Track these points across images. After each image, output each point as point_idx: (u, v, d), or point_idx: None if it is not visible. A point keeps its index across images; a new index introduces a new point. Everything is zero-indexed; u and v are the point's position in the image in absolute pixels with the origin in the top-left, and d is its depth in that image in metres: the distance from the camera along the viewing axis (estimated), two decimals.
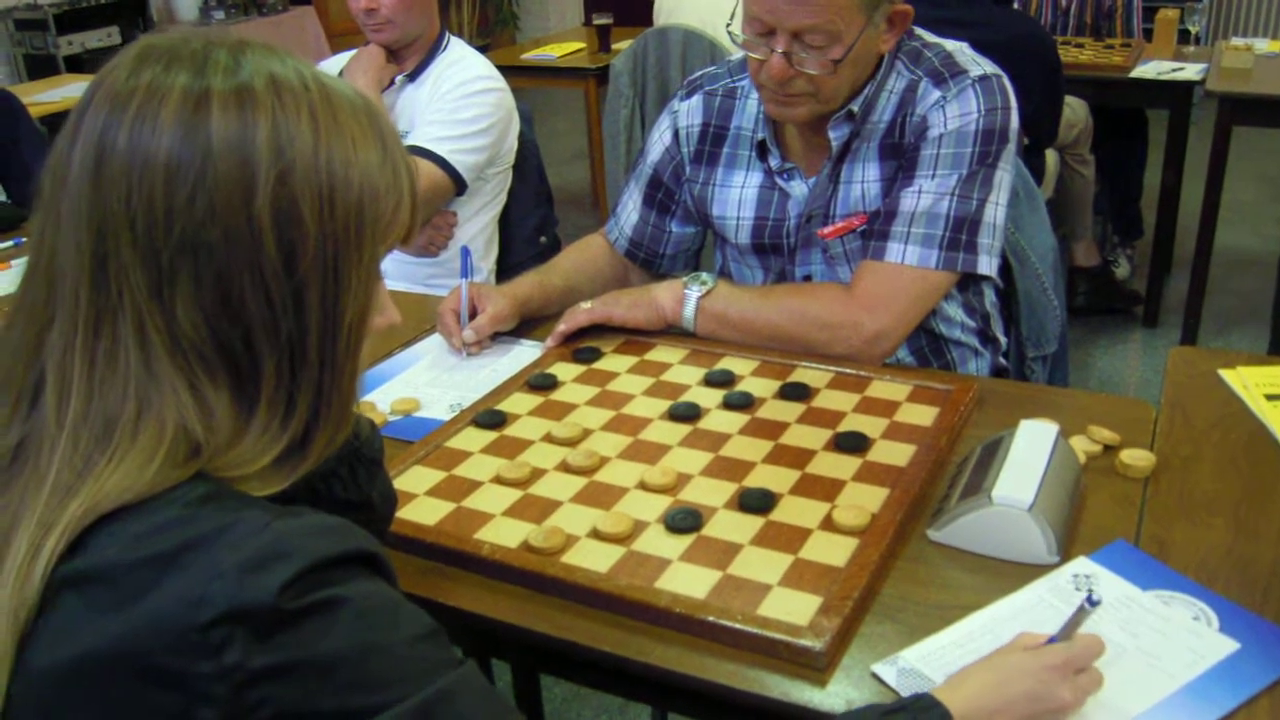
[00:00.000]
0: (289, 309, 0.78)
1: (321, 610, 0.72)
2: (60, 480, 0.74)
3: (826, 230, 1.63)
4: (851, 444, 1.31)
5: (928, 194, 1.52)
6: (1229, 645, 0.99)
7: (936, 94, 1.54)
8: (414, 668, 0.75)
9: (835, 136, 1.59)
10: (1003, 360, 1.82)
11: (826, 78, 1.49)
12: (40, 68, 5.80)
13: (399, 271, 2.30)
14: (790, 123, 1.61)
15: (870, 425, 1.36)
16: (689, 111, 1.75)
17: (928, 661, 0.98)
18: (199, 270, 0.75)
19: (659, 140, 1.79)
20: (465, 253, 1.78)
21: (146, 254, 0.75)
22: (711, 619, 1.02)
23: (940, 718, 0.86)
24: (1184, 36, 4.82)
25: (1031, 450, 1.18)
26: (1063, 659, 0.92)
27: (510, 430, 1.40)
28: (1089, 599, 0.98)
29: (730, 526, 1.17)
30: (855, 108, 1.56)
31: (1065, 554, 1.12)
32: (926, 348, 1.70)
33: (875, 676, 0.98)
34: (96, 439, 0.75)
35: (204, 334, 0.76)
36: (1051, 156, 3.59)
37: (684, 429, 1.37)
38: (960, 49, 1.60)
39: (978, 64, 1.57)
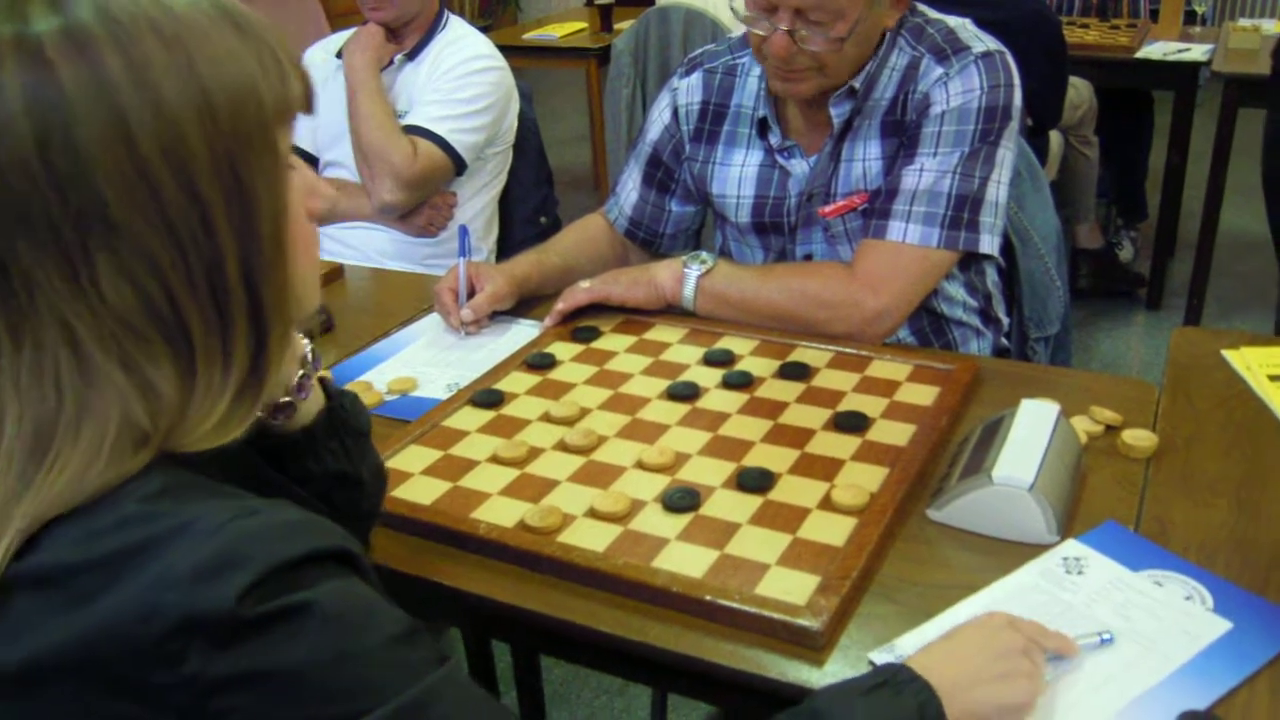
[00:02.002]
0: (200, 244, 0.72)
1: (286, 616, 0.68)
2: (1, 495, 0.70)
3: (827, 209, 1.61)
4: (851, 423, 1.30)
5: (929, 172, 1.51)
6: (1224, 625, 0.98)
7: (939, 71, 1.52)
8: (391, 672, 0.71)
9: (837, 114, 1.57)
10: (1005, 341, 1.81)
11: (830, 54, 1.47)
12: None
13: (397, 251, 2.29)
14: (795, 99, 1.60)
15: (870, 405, 1.35)
16: (689, 89, 1.74)
17: None
18: (111, 238, 0.70)
19: (659, 118, 1.77)
20: (463, 231, 1.77)
21: (47, 242, 0.68)
22: (709, 598, 1.02)
23: (922, 689, 0.85)
24: (1190, 17, 4.78)
25: (1032, 430, 1.17)
26: (1006, 616, 0.94)
27: (508, 409, 1.39)
28: (1102, 639, 0.97)
29: (728, 506, 1.17)
30: (857, 84, 1.55)
31: (1065, 534, 1.11)
32: (928, 327, 1.69)
33: (873, 664, 0.97)
34: (30, 453, 0.71)
35: (135, 305, 0.71)
36: (1055, 138, 3.58)
37: (683, 408, 1.37)
38: (963, 25, 1.58)
39: (980, 40, 1.55)
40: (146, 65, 0.70)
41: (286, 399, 0.95)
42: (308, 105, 0.81)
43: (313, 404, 0.98)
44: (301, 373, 0.96)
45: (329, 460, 0.97)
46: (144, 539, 0.68)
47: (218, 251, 0.73)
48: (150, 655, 0.66)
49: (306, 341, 0.98)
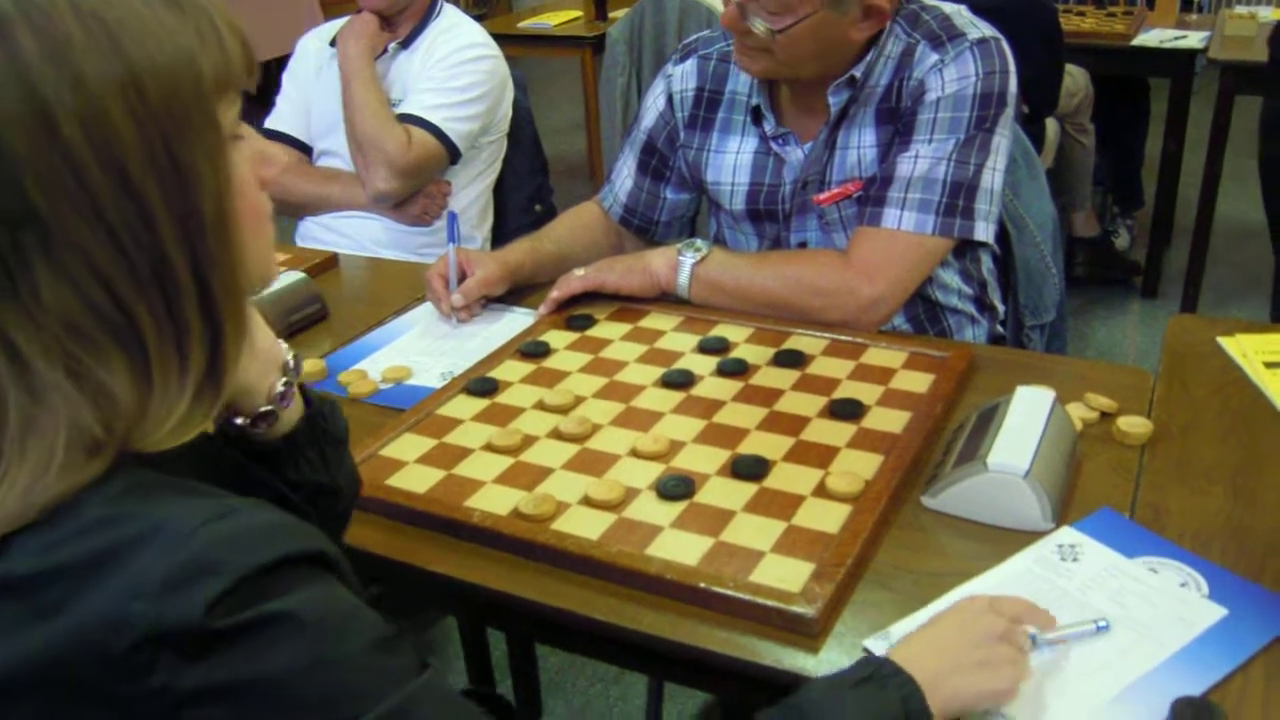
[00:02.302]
0: (140, 236, 0.68)
1: (259, 626, 0.66)
2: None
3: (822, 196, 1.61)
4: (846, 411, 1.30)
5: (924, 159, 1.50)
6: (1218, 611, 0.98)
7: (934, 57, 1.52)
8: (369, 681, 0.69)
9: (834, 101, 1.57)
10: (1000, 329, 1.81)
11: (784, 42, 1.47)
12: None
13: (392, 240, 2.29)
14: (755, 77, 1.60)
15: (865, 392, 1.34)
16: (683, 76, 1.73)
17: None
18: (43, 238, 0.65)
19: (653, 105, 1.77)
20: (452, 218, 1.76)
21: None
22: (703, 586, 1.02)
23: (905, 683, 0.85)
24: (1187, 4, 4.77)
25: (1027, 417, 1.17)
26: (986, 599, 0.94)
27: (502, 398, 1.38)
28: (1098, 626, 0.97)
29: (723, 493, 1.16)
30: (857, 73, 1.54)
31: (1060, 521, 1.11)
32: (923, 315, 1.68)
33: (867, 651, 0.96)
34: None
35: (78, 309, 0.67)
36: (1051, 125, 3.57)
37: (677, 396, 1.36)
38: (958, 11, 1.58)
39: (976, 27, 1.55)
40: (65, 44, 0.65)
41: (268, 407, 0.91)
42: (251, 76, 0.76)
43: (293, 412, 0.95)
44: (284, 380, 0.92)
45: (307, 470, 0.94)
46: (111, 544, 0.66)
47: (160, 242, 0.69)
48: (119, 667, 0.64)
49: (287, 348, 0.95)
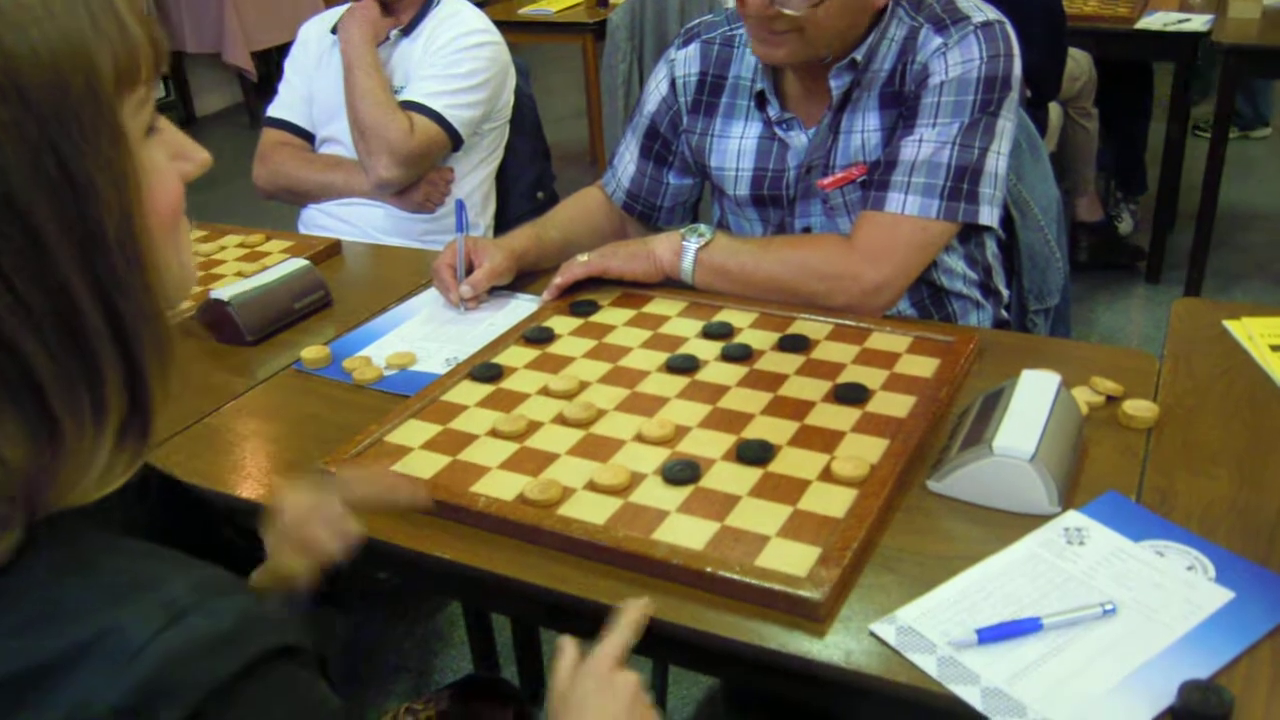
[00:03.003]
0: (29, 263, 0.58)
1: None
2: None
3: (826, 181, 1.61)
4: (851, 395, 1.30)
5: (929, 143, 1.50)
6: (1225, 594, 0.98)
7: (938, 41, 1.51)
8: None
9: (836, 85, 1.56)
10: (1004, 313, 1.81)
11: (809, 17, 1.46)
12: None
13: (394, 227, 2.28)
14: (775, 64, 1.58)
15: (870, 377, 1.34)
16: (686, 60, 1.72)
17: (924, 621, 0.97)
18: None
19: (656, 90, 1.76)
20: (460, 206, 1.76)
21: None
22: (709, 570, 1.02)
23: None
24: None
25: (1033, 400, 1.17)
26: (607, 658, 0.91)
27: (507, 383, 1.38)
28: (1104, 609, 0.97)
29: (728, 478, 1.16)
30: (859, 56, 1.53)
31: (1066, 505, 1.11)
32: (927, 299, 1.68)
33: (874, 635, 0.97)
34: None
35: None
36: (1055, 110, 3.56)
37: (682, 381, 1.36)
38: None
39: (980, 10, 1.54)
40: None
41: None
42: (161, 66, 0.67)
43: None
44: None
45: None
46: (48, 658, 0.57)
47: (54, 270, 0.58)
48: None
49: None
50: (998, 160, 1.52)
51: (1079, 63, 3.60)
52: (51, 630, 0.58)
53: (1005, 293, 1.79)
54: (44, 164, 0.58)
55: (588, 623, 1.11)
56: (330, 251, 1.92)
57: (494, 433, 1.27)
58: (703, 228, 1.58)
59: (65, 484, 0.61)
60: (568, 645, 0.92)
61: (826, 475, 1.16)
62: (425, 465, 1.22)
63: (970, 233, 1.66)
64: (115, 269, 0.61)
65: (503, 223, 2.46)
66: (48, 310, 0.59)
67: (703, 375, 1.37)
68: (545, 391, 1.35)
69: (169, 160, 0.69)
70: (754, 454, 1.19)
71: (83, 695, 0.56)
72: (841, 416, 1.27)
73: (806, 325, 1.48)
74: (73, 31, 0.59)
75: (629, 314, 1.55)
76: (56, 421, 0.60)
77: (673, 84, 1.74)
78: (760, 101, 1.65)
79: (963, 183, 1.49)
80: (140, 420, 0.65)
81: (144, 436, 0.66)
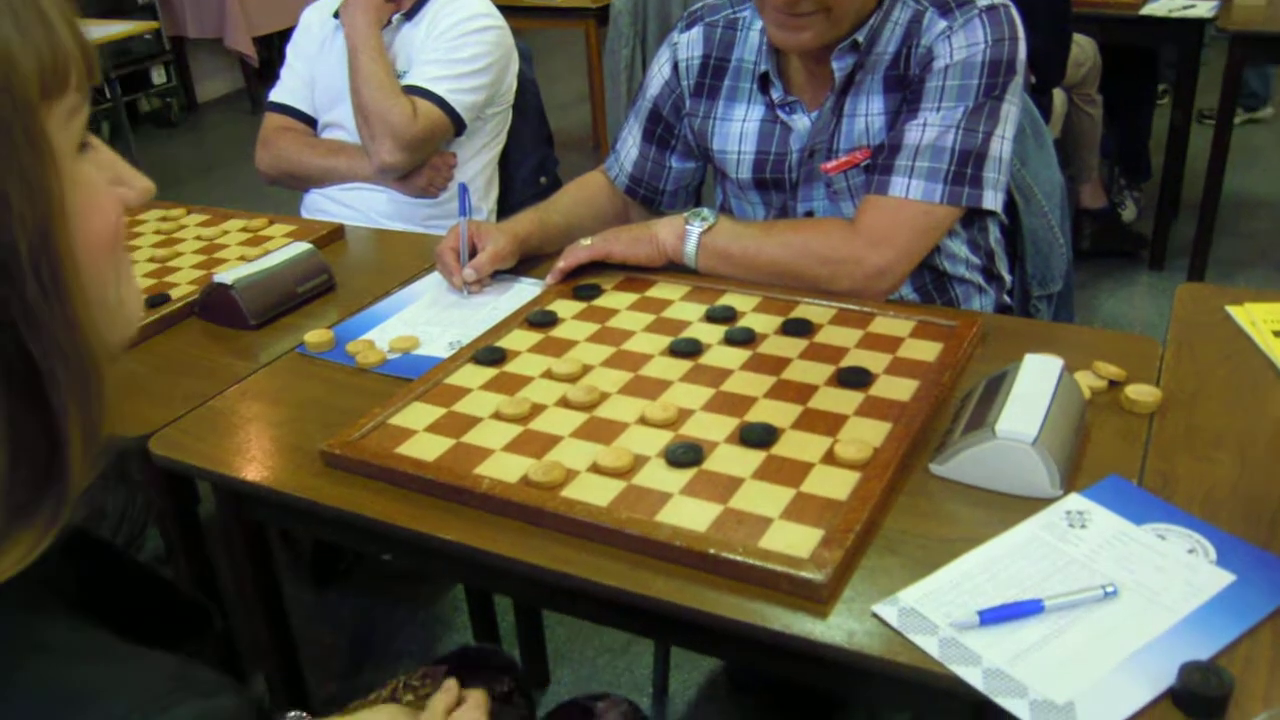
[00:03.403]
0: None
1: None
2: None
3: (829, 165, 1.60)
4: (854, 379, 1.30)
5: (933, 127, 1.49)
6: (1226, 577, 0.99)
7: (942, 24, 1.51)
8: None
9: (839, 67, 1.56)
10: (1007, 299, 1.81)
11: None
12: None
13: (397, 212, 2.28)
14: (796, 50, 1.58)
15: (873, 361, 1.34)
16: (689, 43, 1.72)
17: (926, 603, 0.97)
18: None
19: (658, 73, 1.76)
20: (463, 190, 1.76)
21: None
22: (712, 552, 1.02)
23: None
24: None
25: (1036, 384, 1.17)
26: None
27: (510, 367, 1.38)
28: (1106, 592, 0.97)
29: (731, 460, 1.16)
30: (860, 37, 1.53)
31: (1069, 488, 1.11)
32: (930, 285, 1.68)
33: (876, 616, 0.97)
34: None
35: None
36: (1059, 96, 3.55)
37: (685, 365, 1.36)
38: None
39: None
40: None
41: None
42: (93, 73, 0.60)
43: None
44: None
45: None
46: None
47: None
48: None
49: None
50: (1002, 145, 1.52)
51: (1083, 49, 3.59)
52: None
53: (1008, 278, 1.79)
54: None
55: (592, 604, 1.12)
56: (333, 236, 1.92)
57: (497, 416, 1.27)
58: (706, 211, 1.58)
59: None
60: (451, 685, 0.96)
61: (829, 458, 1.16)
62: (429, 448, 1.22)
63: (974, 217, 1.66)
64: (27, 297, 0.53)
65: (506, 208, 2.46)
66: None
67: (706, 359, 1.38)
68: (548, 375, 1.36)
69: (106, 183, 0.62)
70: (757, 437, 1.19)
71: None
72: (844, 400, 1.27)
73: (809, 309, 1.48)
74: None
75: (632, 298, 1.55)
76: None
77: (675, 67, 1.73)
78: (763, 84, 1.65)
79: (967, 167, 1.49)
80: (53, 487, 0.55)
81: (57, 508, 0.55)
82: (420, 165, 2.26)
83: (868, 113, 1.58)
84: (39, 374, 0.53)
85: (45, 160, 0.55)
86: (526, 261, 1.70)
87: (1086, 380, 1.27)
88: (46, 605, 0.56)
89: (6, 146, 0.53)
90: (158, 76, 6.17)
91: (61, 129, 0.58)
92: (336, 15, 2.29)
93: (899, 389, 1.28)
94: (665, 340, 1.42)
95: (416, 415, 1.29)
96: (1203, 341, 1.38)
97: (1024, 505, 1.09)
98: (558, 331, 1.47)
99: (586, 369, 1.36)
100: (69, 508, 0.56)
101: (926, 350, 1.37)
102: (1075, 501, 1.09)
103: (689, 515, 1.08)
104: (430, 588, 2.48)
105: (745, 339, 1.41)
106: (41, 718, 0.51)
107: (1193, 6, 3.57)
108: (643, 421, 1.24)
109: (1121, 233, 3.94)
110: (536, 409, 1.28)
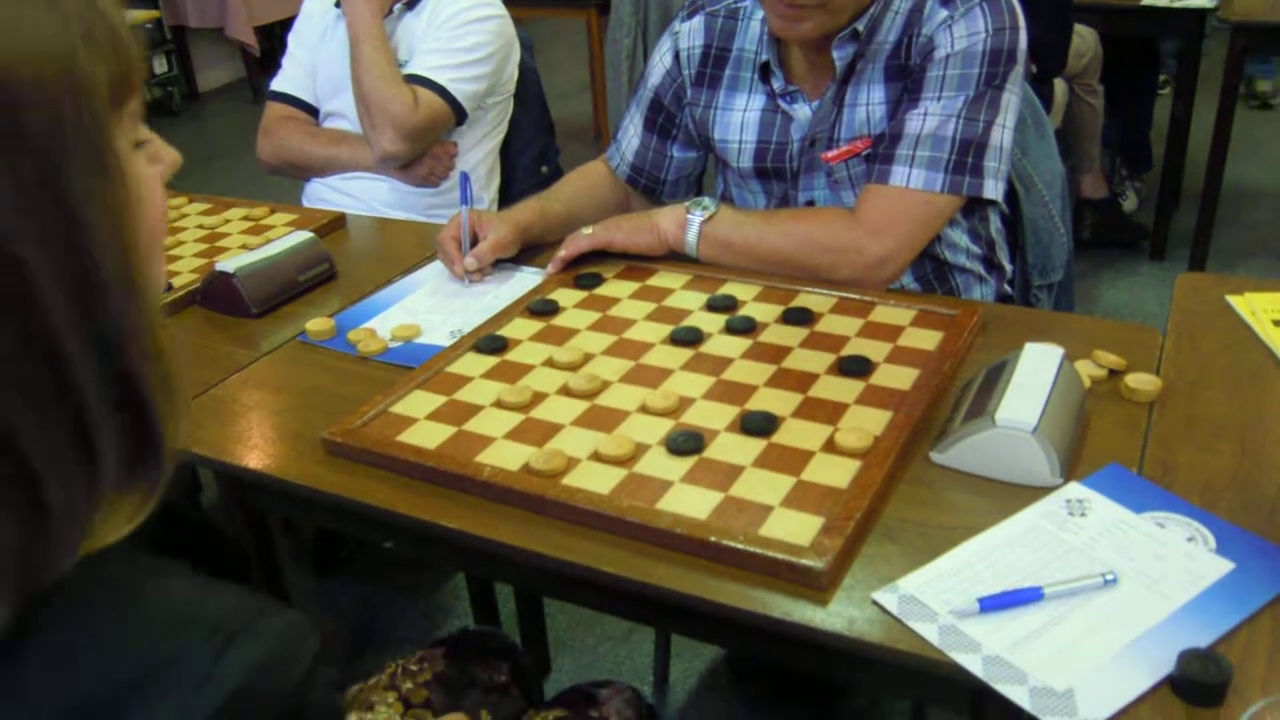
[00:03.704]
0: (13, 316, 0.51)
1: None
2: None
3: (830, 154, 1.60)
4: (854, 368, 1.30)
5: (933, 116, 1.49)
6: (1225, 565, 0.99)
7: (943, 13, 1.51)
8: None
9: (839, 56, 1.56)
10: (1008, 288, 1.81)
11: None
12: None
13: (399, 201, 2.28)
14: (796, 41, 1.58)
15: (873, 349, 1.35)
16: (690, 33, 1.72)
17: (926, 590, 0.98)
18: None
19: (660, 63, 1.76)
20: (465, 179, 1.76)
21: None
22: (713, 539, 1.02)
23: None
24: None
25: (1036, 373, 1.17)
26: None
27: (511, 355, 1.39)
28: (1105, 580, 0.97)
29: (732, 449, 1.17)
30: (860, 27, 1.53)
31: (1068, 476, 1.11)
32: (931, 274, 1.68)
33: (876, 604, 0.97)
34: None
35: None
36: (1060, 86, 3.55)
37: (686, 353, 1.36)
38: None
39: None
40: None
41: None
42: (141, 82, 0.60)
43: None
44: None
45: None
46: (106, 691, 0.55)
47: (45, 326, 0.52)
48: None
49: None
50: (1003, 134, 1.52)
51: (1084, 39, 3.59)
52: (102, 663, 0.55)
53: (1009, 268, 1.79)
54: (31, 197, 0.51)
55: (593, 592, 1.13)
56: (335, 225, 1.92)
57: (499, 404, 1.28)
58: (707, 200, 1.59)
59: (64, 555, 0.56)
60: None
61: (830, 446, 1.16)
62: (430, 436, 1.22)
63: (974, 207, 1.66)
64: (111, 313, 0.55)
65: (507, 197, 2.46)
66: (32, 369, 0.52)
67: (706, 348, 1.38)
68: (550, 363, 1.36)
69: (154, 173, 0.64)
70: (758, 425, 1.20)
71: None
72: (845, 389, 1.27)
73: (810, 298, 1.48)
74: (56, 42, 0.52)
75: (633, 287, 1.55)
76: (42, 495, 0.54)
77: (677, 56, 1.73)
78: (764, 74, 1.65)
79: (967, 156, 1.49)
80: (150, 456, 0.60)
81: (156, 472, 0.61)
82: (421, 154, 2.26)
83: (868, 102, 1.58)
84: (131, 377, 0.57)
85: (118, 176, 0.56)
86: (528, 250, 1.70)
87: (1087, 369, 1.28)
88: (142, 547, 0.62)
89: (84, 164, 0.53)
90: (159, 66, 6.17)
91: (126, 134, 0.59)
92: (338, 4, 2.28)
93: (899, 378, 1.29)
94: (666, 329, 1.42)
95: (418, 403, 1.29)
96: (1203, 331, 1.38)
97: (1024, 493, 1.09)
98: (559, 320, 1.47)
99: (587, 357, 1.37)
100: (167, 476, 0.61)
101: (927, 339, 1.37)
102: (1075, 490, 1.09)
103: (690, 503, 1.08)
104: (431, 575, 2.49)
105: (746, 328, 1.41)
106: (152, 627, 0.57)
107: None
108: (643, 410, 1.24)
109: (1122, 223, 3.93)
110: (538, 397, 1.28)
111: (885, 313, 1.44)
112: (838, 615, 0.97)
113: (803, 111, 1.63)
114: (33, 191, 0.51)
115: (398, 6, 2.28)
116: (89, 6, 0.54)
